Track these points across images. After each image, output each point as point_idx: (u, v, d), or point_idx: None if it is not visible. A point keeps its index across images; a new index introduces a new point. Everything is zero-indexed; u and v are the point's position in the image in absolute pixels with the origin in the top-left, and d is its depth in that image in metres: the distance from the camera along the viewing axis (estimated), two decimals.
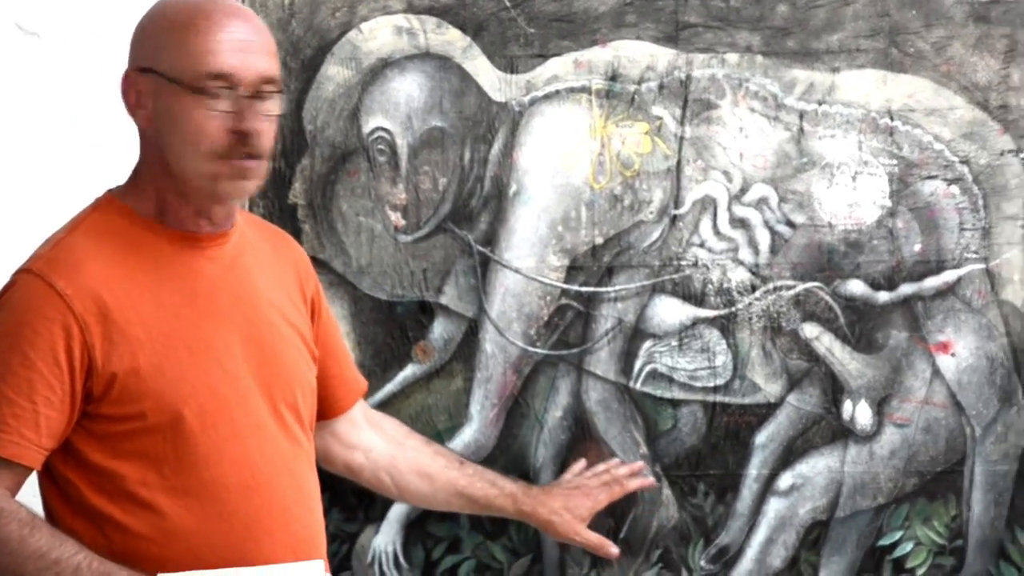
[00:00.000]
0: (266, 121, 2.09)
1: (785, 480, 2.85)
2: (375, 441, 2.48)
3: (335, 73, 2.84)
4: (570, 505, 2.61)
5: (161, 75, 2.06)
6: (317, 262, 2.78)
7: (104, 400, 2.04)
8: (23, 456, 2.01)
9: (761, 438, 2.86)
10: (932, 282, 2.83)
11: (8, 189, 2.82)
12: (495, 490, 2.55)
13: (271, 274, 2.26)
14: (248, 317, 2.16)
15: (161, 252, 2.12)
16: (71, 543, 2.02)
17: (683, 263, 2.85)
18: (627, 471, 2.68)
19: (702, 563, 2.88)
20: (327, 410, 2.38)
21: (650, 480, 2.72)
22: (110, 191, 2.17)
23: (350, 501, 2.80)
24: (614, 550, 2.62)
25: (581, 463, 2.70)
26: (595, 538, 2.61)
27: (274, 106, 2.10)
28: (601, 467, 2.68)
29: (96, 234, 2.10)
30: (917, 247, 2.84)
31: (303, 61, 2.81)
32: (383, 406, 2.83)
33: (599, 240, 2.85)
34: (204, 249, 2.14)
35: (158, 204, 2.13)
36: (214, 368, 2.10)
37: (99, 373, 2.03)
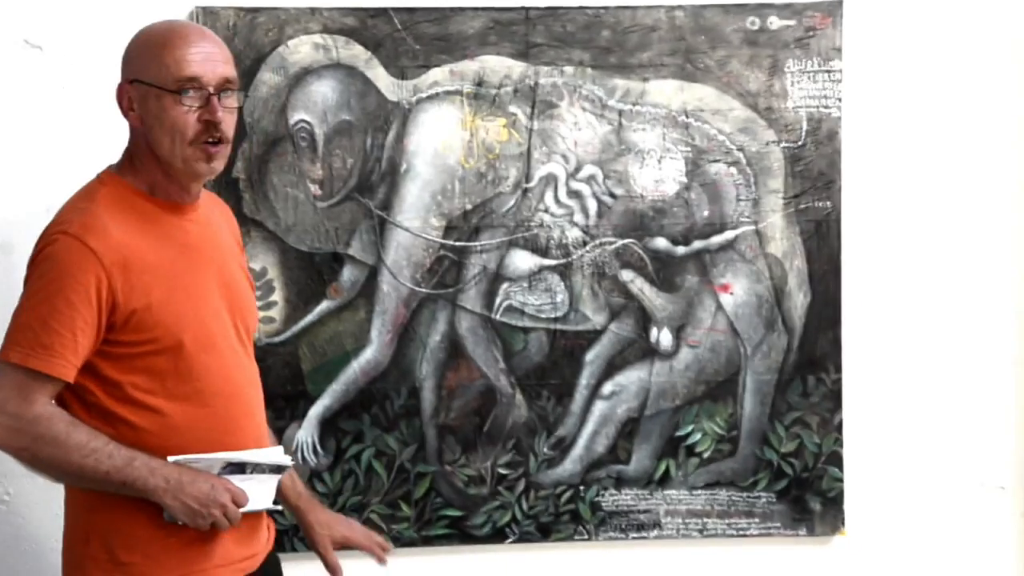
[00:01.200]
0: (228, 112, 2.32)
1: (607, 388, 3.21)
2: None
3: (268, 78, 3.06)
4: (331, 525, 2.67)
5: (148, 84, 2.28)
6: (254, 222, 3.06)
7: (124, 329, 2.26)
8: (66, 374, 2.24)
9: (590, 356, 3.20)
10: (717, 239, 3.19)
11: (13, 182, 3.02)
12: (291, 483, 2.62)
13: (224, 231, 2.50)
14: (219, 266, 2.40)
15: (158, 218, 2.34)
16: (103, 436, 2.24)
17: (532, 224, 3.16)
18: (380, 540, 2.72)
19: (545, 450, 3.20)
20: None
21: (384, 558, 2.71)
22: (109, 169, 2.37)
23: (278, 404, 3.05)
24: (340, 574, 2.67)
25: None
26: (333, 560, 2.65)
27: (234, 101, 2.34)
28: (367, 533, 2.73)
29: (112, 204, 2.31)
30: (706, 213, 3.19)
31: (243, 69, 2.92)
32: (305, 332, 3.09)
33: (469, 206, 3.14)
34: (186, 214, 2.38)
35: (149, 183, 2.35)
36: (202, 305, 2.34)
37: (121, 310, 2.25)
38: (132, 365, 2.29)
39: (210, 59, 2.33)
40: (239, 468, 2.34)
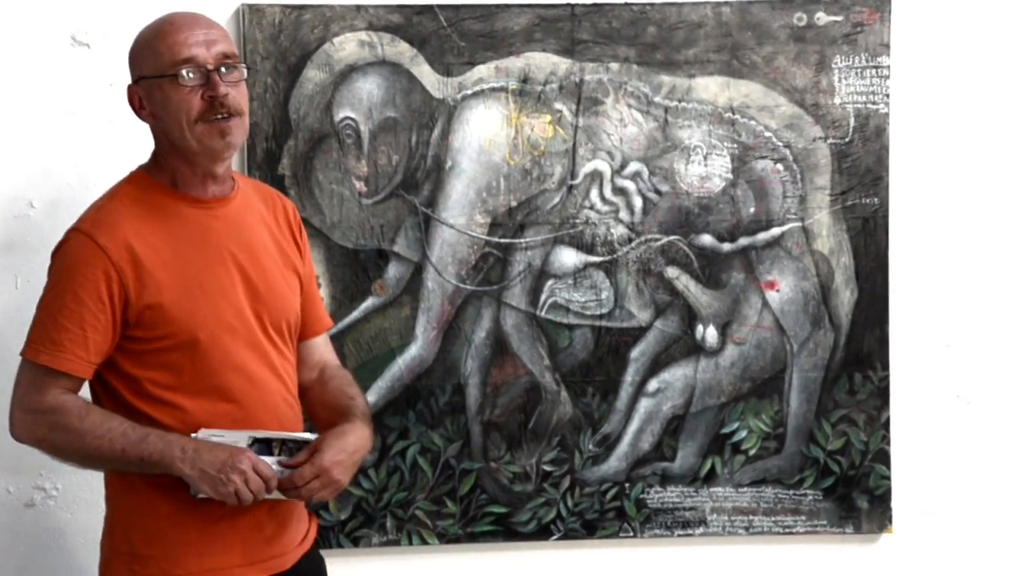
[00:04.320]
0: (232, 86, 2.33)
1: (652, 385, 3.22)
2: (311, 377, 2.57)
3: (313, 75, 3.08)
4: (322, 451, 2.33)
5: (150, 77, 2.34)
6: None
7: (138, 326, 2.30)
8: (76, 369, 2.30)
9: (635, 353, 3.21)
10: (763, 236, 3.21)
11: (60, 178, 3.04)
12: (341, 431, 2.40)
13: (268, 226, 2.49)
14: (247, 263, 2.40)
15: (179, 214, 2.37)
16: (118, 418, 2.29)
17: (577, 221, 3.18)
18: (311, 484, 2.33)
19: (590, 447, 3.21)
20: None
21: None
22: (141, 166, 2.44)
23: None
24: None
25: None
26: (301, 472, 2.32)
27: (238, 74, 2.35)
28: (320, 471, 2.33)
29: (130, 201, 2.36)
30: (752, 209, 3.21)
31: (289, 66, 3.04)
32: (350, 329, 3.10)
33: (514, 203, 3.16)
34: (212, 210, 2.39)
35: (172, 176, 2.38)
36: (221, 301, 2.35)
37: (133, 306, 2.29)
38: (148, 361, 2.33)
39: (202, 39, 2.35)
40: (266, 447, 2.32)
